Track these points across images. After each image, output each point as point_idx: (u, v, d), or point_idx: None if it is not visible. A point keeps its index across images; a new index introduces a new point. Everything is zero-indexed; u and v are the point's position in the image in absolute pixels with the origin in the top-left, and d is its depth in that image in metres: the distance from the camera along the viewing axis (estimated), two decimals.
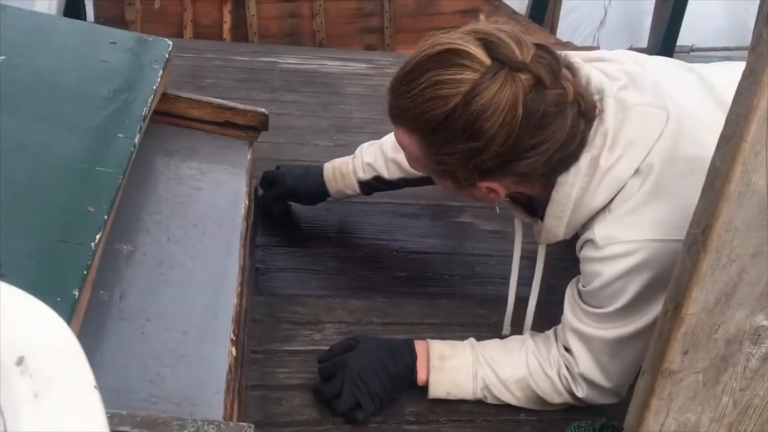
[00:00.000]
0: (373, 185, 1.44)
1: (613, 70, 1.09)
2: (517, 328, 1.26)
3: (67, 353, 0.39)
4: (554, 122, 0.98)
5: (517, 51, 0.97)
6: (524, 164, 1.01)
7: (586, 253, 1.07)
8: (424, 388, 1.15)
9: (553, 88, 0.98)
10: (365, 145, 1.46)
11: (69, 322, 0.75)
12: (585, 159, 1.03)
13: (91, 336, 0.90)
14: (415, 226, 1.61)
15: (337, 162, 1.47)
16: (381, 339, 1.19)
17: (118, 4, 3.26)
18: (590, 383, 1.10)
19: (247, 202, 1.31)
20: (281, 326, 1.27)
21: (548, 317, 1.21)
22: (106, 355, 0.91)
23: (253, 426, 0.82)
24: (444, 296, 1.40)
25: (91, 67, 1.22)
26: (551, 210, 1.08)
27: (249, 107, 1.46)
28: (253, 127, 1.46)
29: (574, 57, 1.08)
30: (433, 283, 1.44)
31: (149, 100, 1.18)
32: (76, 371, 0.38)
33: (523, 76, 0.96)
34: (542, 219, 1.11)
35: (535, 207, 1.17)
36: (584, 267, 1.08)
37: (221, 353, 0.99)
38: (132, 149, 1.05)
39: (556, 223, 1.09)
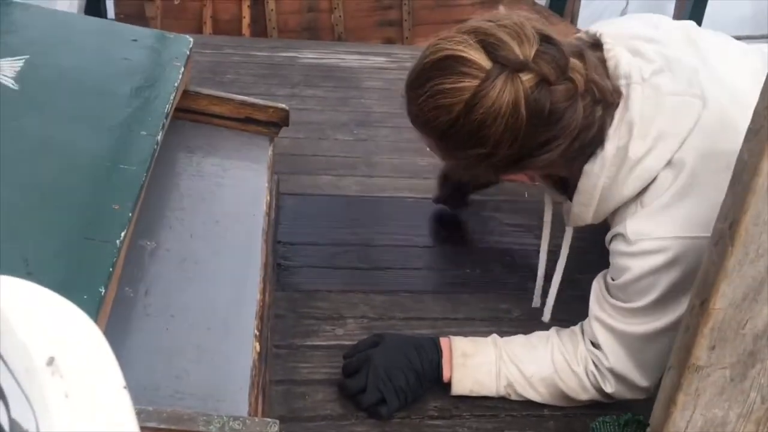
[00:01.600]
0: None
1: (651, 51, 1.05)
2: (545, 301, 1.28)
3: (97, 354, 0.39)
4: (564, 116, 0.97)
5: (518, 50, 0.95)
6: (539, 160, 1.00)
7: (617, 246, 1.06)
8: (449, 384, 1.15)
9: (559, 83, 0.96)
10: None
11: (95, 319, 0.76)
12: (610, 148, 1.01)
13: (117, 333, 0.91)
14: (437, 220, 1.60)
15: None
16: (406, 335, 1.19)
17: (138, 1, 3.28)
18: (619, 378, 1.10)
19: (268, 198, 1.31)
20: (303, 321, 1.28)
21: (573, 311, 1.20)
22: (132, 351, 0.92)
23: (277, 421, 0.82)
24: (466, 291, 1.40)
25: (113, 65, 1.22)
26: (578, 198, 1.08)
27: (270, 103, 1.46)
28: (274, 123, 1.46)
29: (607, 37, 1.06)
30: (455, 277, 1.43)
31: (171, 98, 1.18)
32: (106, 372, 0.39)
33: (524, 77, 0.94)
34: (571, 200, 1.11)
35: (567, 185, 1.15)
36: (614, 260, 1.07)
37: (245, 349, 0.99)
38: (155, 146, 1.06)
39: (584, 210, 1.09)
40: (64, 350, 0.38)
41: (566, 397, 1.14)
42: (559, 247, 1.23)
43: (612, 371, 1.09)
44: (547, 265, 1.29)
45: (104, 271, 0.81)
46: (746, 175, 0.77)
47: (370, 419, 1.10)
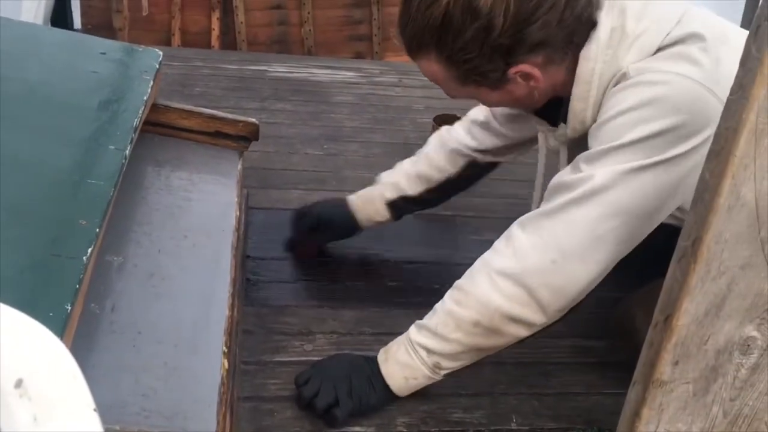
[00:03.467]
0: (401, 206, 1.44)
1: None
2: None
3: (66, 376, 0.39)
4: None
5: None
6: (536, 29, 1.00)
7: (612, 90, 1.04)
8: (416, 399, 1.15)
9: None
10: (384, 173, 1.47)
11: (61, 336, 0.75)
12: (604, 30, 1.03)
13: (82, 349, 0.89)
14: (407, 235, 1.61)
15: (361, 191, 1.47)
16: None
17: (106, 11, 3.25)
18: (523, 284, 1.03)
19: (237, 213, 1.31)
20: (273, 337, 1.27)
21: None
22: (98, 368, 0.90)
23: None
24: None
25: (81, 78, 1.21)
26: (577, 92, 1.06)
27: (240, 117, 1.46)
28: (244, 137, 1.45)
29: None
30: (425, 293, 1.43)
31: (140, 111, 1.17)
32: (75, 394, 0.38)
33: None
34: (566, 121, 1.11)
35: (558, 117, 1.15)
36: (606, 103, 1.04)
37: (213, 366, 0.98)
38: (123, 161, 1.05)
39: (583, 105, 1.07)
40: (32, 372, 0.38)
41: (485, 330, 1.07)
42: None
43: (517, 278, 1.04)
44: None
45: (70, 287, 0.80)
46: (708, 194, 0.79)
47: None
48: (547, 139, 1.21)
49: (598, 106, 1.06)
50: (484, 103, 1.19)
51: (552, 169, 1.19)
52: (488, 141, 1.38)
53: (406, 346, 1.12)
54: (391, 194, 1.43)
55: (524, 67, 1.04)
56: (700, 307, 0.85)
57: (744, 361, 0.90)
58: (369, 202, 1.45)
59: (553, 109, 1.15)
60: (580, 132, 1.11)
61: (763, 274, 0.83)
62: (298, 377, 1.16)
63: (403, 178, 1.43)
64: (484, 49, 1.02)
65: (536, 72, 1.05)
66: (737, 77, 0.76)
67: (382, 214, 1.44)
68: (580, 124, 1.10)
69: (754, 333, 0.87)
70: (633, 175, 1.00)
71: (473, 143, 1.39)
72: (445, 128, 1.46)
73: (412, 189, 1.42)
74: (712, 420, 0.94)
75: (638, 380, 0.95)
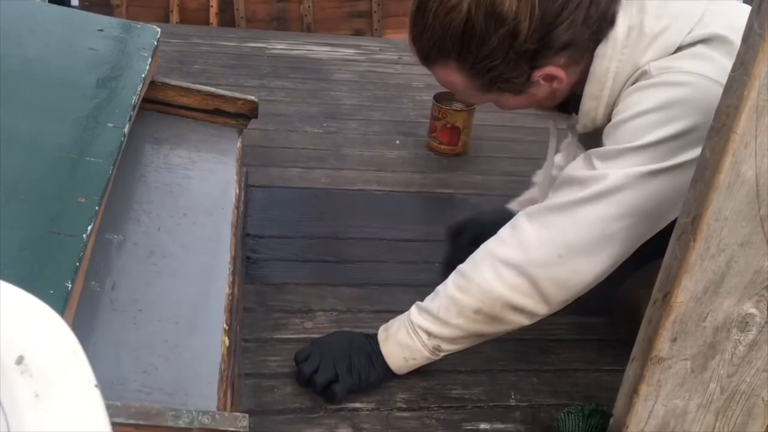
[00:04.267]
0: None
1: None
2: None
3: (67, 352, 0.39)
4: None
5: None
6: (563, 30, 0.97)
7: (630, 89, 1.00)
8: (416, 376, 1.16)
9: None
10: (538, 172, 1.33)
11: (62, 313, 0.75)
12: (621, 28, 0.99)
13: (83, 327, 0.90)
14: (406, 213, 1.61)
15: (520, 197, 1.33)
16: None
17: None
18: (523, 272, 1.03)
19: (237, 191, 1.31)
20: (273, 315, 1.28)
21: None
22: (99, 346, 0.91)
23: (247, 416, 0.82)
24: (434, 284, 1.40)
25: (79, 55, 1.20)
26: (589, 90, 1.04)
27: (239, 95, 1.45)
28: (243, 115, 1.45)
29: None
30: (424, 271, 1.44)
31: (138, 89, 1.17)
32: (76, 370, 0.38)
33: None
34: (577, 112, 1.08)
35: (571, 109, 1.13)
36: (623, 101, 1.01)
37: (214, 343, 0.99)
38: (122, 139, 1.05)
39: (594, 104, 1.04)
40: (33, 349, 0.38)
41: (485, 316, 1.07)
42: None
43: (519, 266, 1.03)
44: None
45: (71, 265, 0.80)
46: (708, 172, 0.79)
47: (340, 412, 1.11)
48: (556, 122, 1.19)
49: (612, 105, 1.04)
50: (503, 108, 1.12)
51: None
52: None
53: (407, 327, 1.12)
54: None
55: (549, 69, 1.02)
56: (698, 284, 0.85)
57: (742, 338, 0.90)
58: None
59: (566, 102, 1.13)
60: (590, 129, 1.09)
61: (762, 251, 0.83)
62: (298, 354, 1.16)
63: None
64: (509, 55, 0.98)
65: (560, 73, 1.02)
66: (739, 54, 0.76)
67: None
68: (591, 122, 1.07)
69: (753, 310, 0.88)
70: (648, 179, 0.98)
71: None
72: None
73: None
74: (709, 396, 0.95)
75: (637, 357, 0.95)
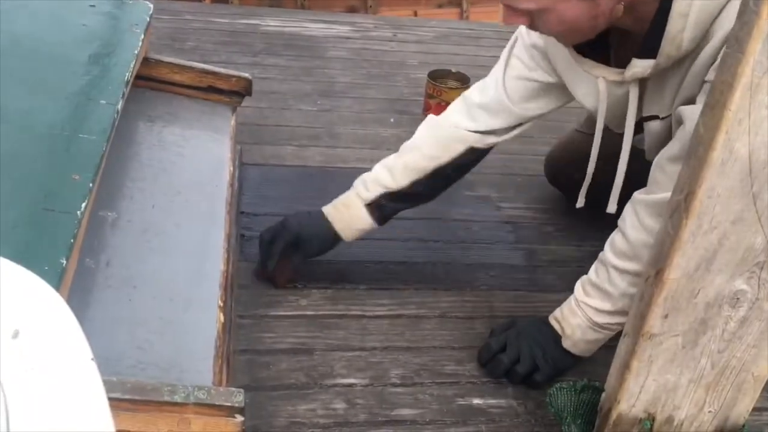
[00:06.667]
0: (384, 205, 1.26)
1: None
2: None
3: (64, 326, 0.39)
4: None
5: None
6: None
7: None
8: (409, 352, 1.17)
9: None
10: (361, 176, 1.31)
11: (57, 290, 0.75)
12: None
13: (78, 304, 0.90)
14: None
15: (336, 200, 1.29)
16: (531, 318, 1.21)
17: None
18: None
19: (231, 168, 1.30)
20: (267, 292, 1.28)
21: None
22: (94, 322, 0.91)
23: (242, 391, 0.83)
24: (429, 261, 1.41)
25: (71, 31, 1.19)
26: (677, 7, 0.94)
27: (232, 72, 1.44)
28: (237, 92, 1.44)
29: None
30: (419, 248, 1.45)
31: (131, 65, 1.16)
32: (72, 344, 0.39)
33: None
34: (640, 56, 1.01)
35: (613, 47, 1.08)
36: (727, 14, 0.92)
37: (209, 319, 0.99)
38: (115, 115, 1.04)
39: (681, 24, 0.94)
40: (30, 323, 0.38)
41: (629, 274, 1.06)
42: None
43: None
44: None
45: (65, 242, 0.80)
46: (702, 148, 0.80)
47: (335, 387, 1.12)
48: (608, 87, 1.09)
49: (704, 23, 0.94)
50: (549, 23, 1.00)
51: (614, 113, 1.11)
52: (493, 122, 1.25)
53: (593, 329, 1.12)
54: (370, 193, 1.25)
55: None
56: (691, 261, 0.86)
57: (733, 314, 0.91)
58: (345, 208, 1.27)
59: (600, 49, 1.07)
60: (675, 59, 0.98)
61: (754, 228, 0.84)
62: (493, 342, 1.19)
63: (383, 172, 1.26)
64: None
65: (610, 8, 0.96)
66: (733, 30, 0.76)
67: (363, 219, 1.26)
68: (676, 50, 0.97)
69: (744, 286, 0.88)
70: None
71: (473, 125, 1.25)
72: (431, 116, 1.31)
73: (397, 182, 1.25)
74: (700, 371, 0.96)
75: (628, 333, 0.96)
